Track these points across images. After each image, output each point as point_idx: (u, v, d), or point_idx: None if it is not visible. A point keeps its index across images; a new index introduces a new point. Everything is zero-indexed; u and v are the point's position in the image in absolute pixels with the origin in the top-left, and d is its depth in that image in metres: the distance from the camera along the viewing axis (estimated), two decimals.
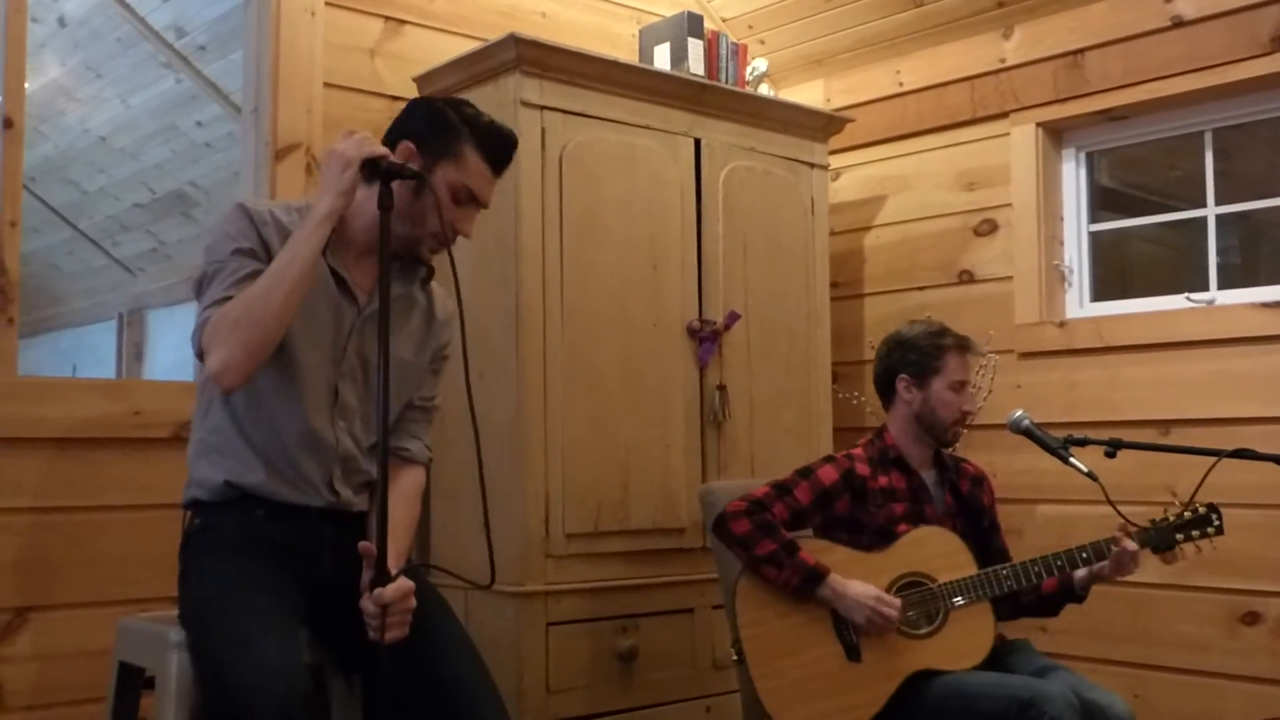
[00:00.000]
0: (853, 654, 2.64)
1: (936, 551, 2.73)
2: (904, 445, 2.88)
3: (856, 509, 2.80)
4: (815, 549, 2.71)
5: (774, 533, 2.67)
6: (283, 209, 2.31)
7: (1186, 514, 2.68)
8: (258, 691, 1.91)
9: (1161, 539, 2.67)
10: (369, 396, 2.34)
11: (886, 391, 2.93)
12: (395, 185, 2.19)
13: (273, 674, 1.93)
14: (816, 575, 2.64)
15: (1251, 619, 3.31)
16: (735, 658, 2.69)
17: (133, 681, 2.44)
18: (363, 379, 2.33)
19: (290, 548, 2.26)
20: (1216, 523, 2.67)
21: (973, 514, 2.89)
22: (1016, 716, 2.39)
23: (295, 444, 2.26)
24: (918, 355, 2.87)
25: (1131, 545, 2.63)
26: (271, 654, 1.96)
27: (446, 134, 2.30)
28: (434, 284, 2.46)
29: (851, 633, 2.65)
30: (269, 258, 2.20)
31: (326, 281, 2.26)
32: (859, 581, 2.65)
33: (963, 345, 2.88)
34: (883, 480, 2.83)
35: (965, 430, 2.87)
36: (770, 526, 2.68)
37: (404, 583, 2.12)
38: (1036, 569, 2.68)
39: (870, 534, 2.77)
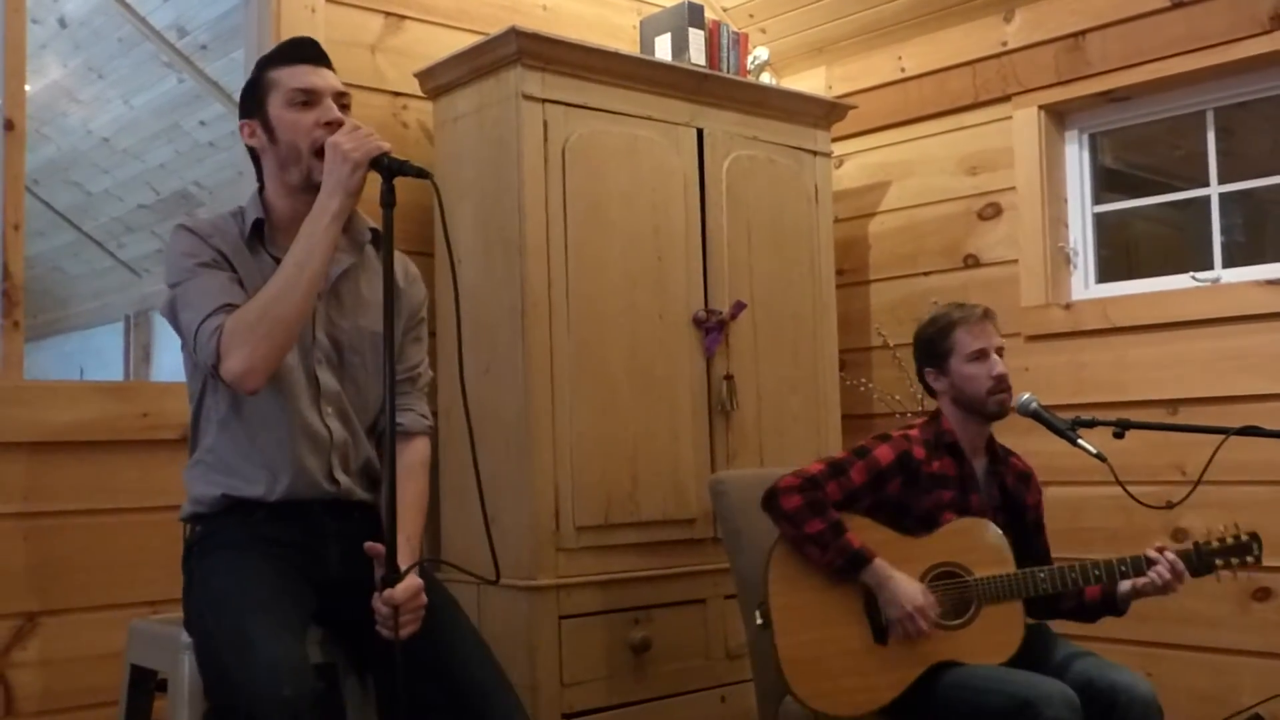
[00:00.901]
0: (880, 636, 2.63)
1: (977, 544, 2.70)
2: (958, 430, 2.84)
3: (907, 493, 2.76)
4: (857, 526, 2.68)
5: (824, 511, 2.65)
6: (221, 218, 2.35)
7: (1229, 540, 2.67)
8: (263, 694, 1.89)
9: (1202, 563, 2.66)
10: (347, 376, 2.35)
11: (928, 390, 2.93)
12: (256, 147, 2.33)
13: (278, 675, 1.92)
14: (861, 559, 2.62)
15: (1263, 595, 3.31)
16: (760, 622, 2.68)
17: (145, 684, 2.44)
18: (337, 360, 2.34)
19: (295, 545, 2.26)
20: (1257, 553, 2.66)
21: (1015, 510, 2.87)
22: (1016, 715, 2.39)
23: (292, 441, 2.26)
24: (930, 345, 2.87)
25: (1179, 567, 2.63)
26: (276, 655, 1.95)
27: (255, 83, 2.35)
28: None
29: (882, 614, 2.65)
30: (230, 265, 2.25)
31: (273, 272, 2.25)
32: (906, 579, 2.62)
33: (967, 316, 2.84)
34: (935, 465, 2.79)
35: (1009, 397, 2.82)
36: (821, 505, 2.65)
37: (413, 580, 2.13)
38: (1074, 575, 2.65)
39: (913, 519, 2.75)
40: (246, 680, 1.92)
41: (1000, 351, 2.84)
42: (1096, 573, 2.66)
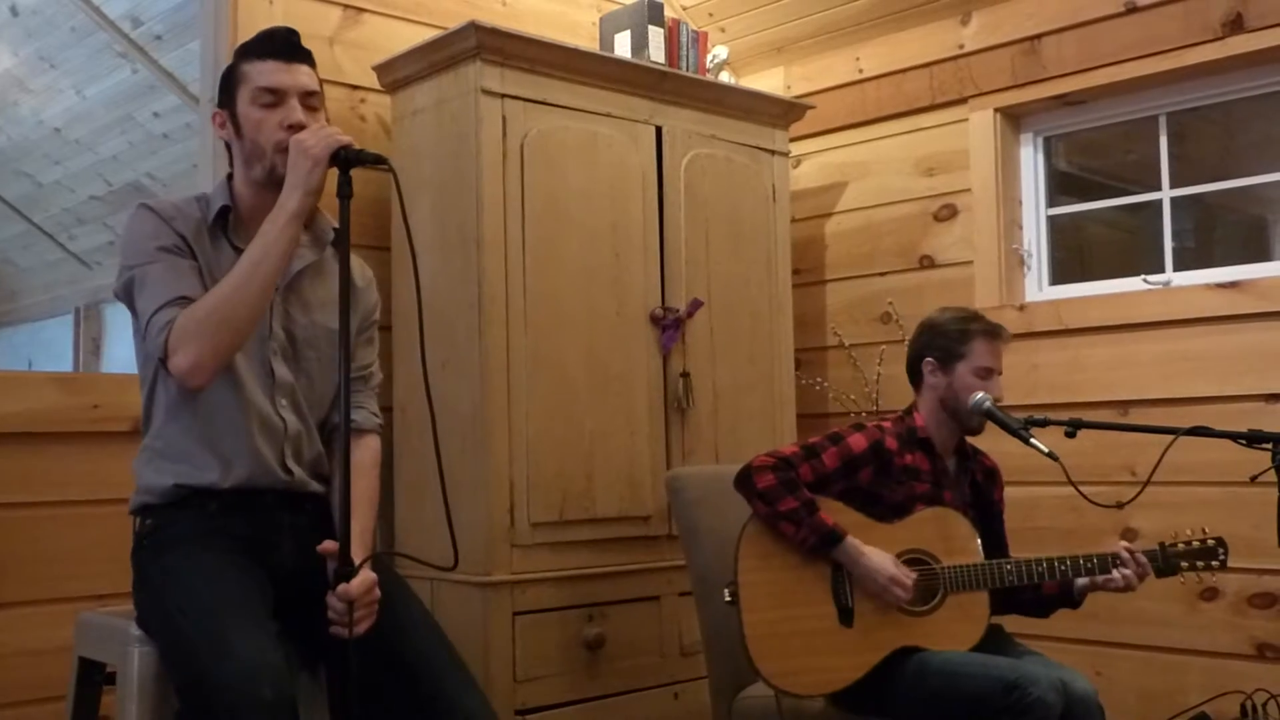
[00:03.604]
0: (845, 618, 2.65)
1: (946, 533, 2.73)
2: (931, 428, 2.85)
3: (878, 482, 2.78)
4: (830, 509, 2.69)
5: (796, 490, 2.66)
6: (184, 201, 2.33)
7: (1195, 543, 2.68)
8: (244, 697, 1.88)
9: (1167, 564, 2.67)
10: (301, 370, 2.35)
11: (915, 375, 2.91)
12: (225, 139, 2.32)
13: (258, 678, 1.90)
14: (834, 537, 2.64)
15: (1210, 595, 3.36)
16: (728, 599, 2.69)
17: (93, 677, 2.42)
18: (292, 353, 2.34)
19: (250, 538, 2.24)
20: (1222, 557, 2.67)
21: (984, 506, 2.90)
22: (1001, 696, 2.40)
23: (247, 429, 2.25)
24: (945, 339, 2.85)
25: (1147, 569, 2.65)
26: (256, 657, 1.94)
27: (230, 74, 2.34)
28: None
29: (848, 597, 2.66)
30: (191, 251, 2.23)
31: (233, 262, 2.24)
32: (877, 553, 2.64)
33: (991, 332, 2.84)
34: (908, 458, 2.80)
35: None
36: (794, 484, 2.67)
37: (367, 575, 2.13)
38: (1040, 569, 2.67)
39: (885, 508, 2.76)
40: (227, 683, 1.90)
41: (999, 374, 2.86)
42: (1063, 568, 2.67)
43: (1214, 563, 2.67)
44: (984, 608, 2.70)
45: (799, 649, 2.63)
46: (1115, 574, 2.65)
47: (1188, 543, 2.69)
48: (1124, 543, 2.70)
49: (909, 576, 2.64)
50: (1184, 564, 2.68)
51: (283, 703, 1.92)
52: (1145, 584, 2.64)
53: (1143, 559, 2.66)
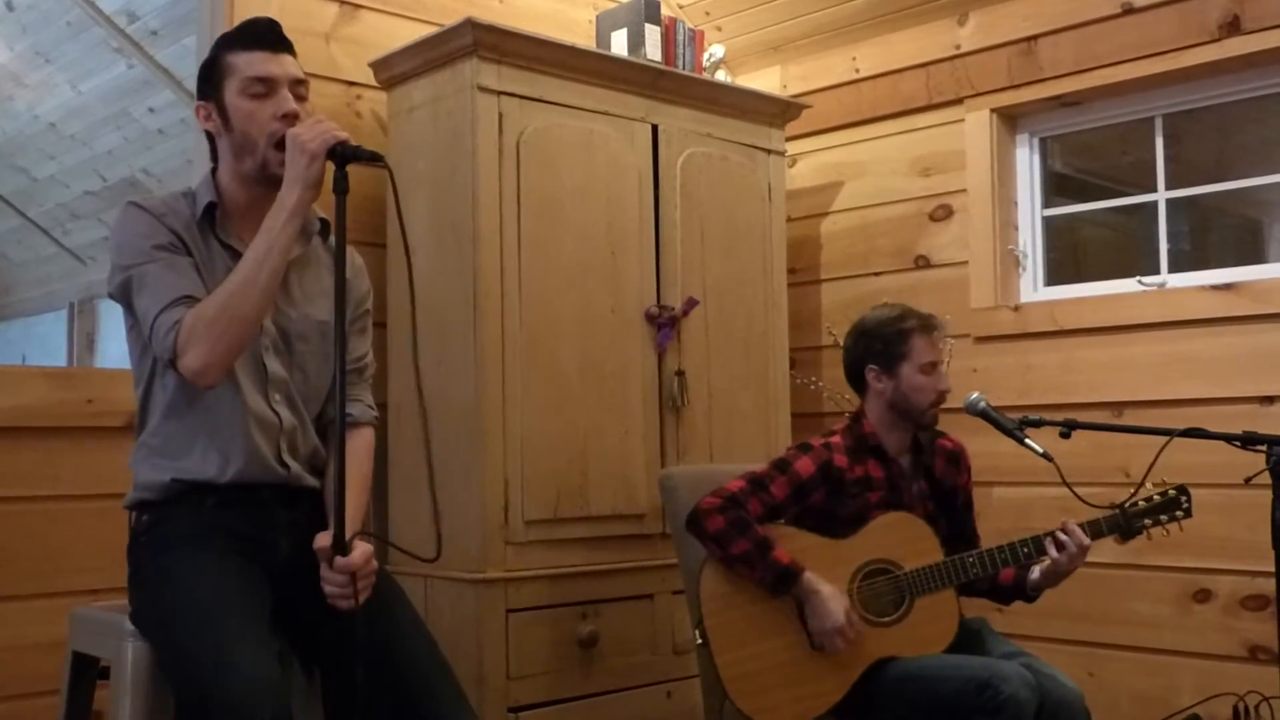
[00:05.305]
0: (817, 643, 2.65)
1: (903, 538, 2.71)
2: (882, 433, 2.82)
3: (832, 500, 2.76)
4: (783, 535, 2.69)
5: (748, 530, 2.64)
6: (171, 198, 2.32)
7: (1156, 497, 2.66)
8: (244, 713, 1.89)
9: (1130, 525, 2.65)
10: (295, 364, 2.35)
11: (858, 383, 2.88)
12: (211, 131, 2.30)
13: (259, 697, 1.91)
14: (791, 575, 2.62)
15: (1203, 596, 3.36)
16: (699, 640, 2.69)
17: (87, 672, 2.41)
18: (285, 348, 2.33)
19: (247, 535, 2.24)
20: (1185, 505, 2.65)
21: (945, 495, 2.87)
22: (974, 696, 2.40)
23: (243, 424, 2.25)
24: (883, 344, 2.81)
25: (1084, 540, 2.63)
26: (253, 673, 1.94)
27: (213, 65, 2.31)
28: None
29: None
30: (186, 248, 2.23)
31: (223, 259, 2.25)
32: (831, 594, 2.61)
33: (927, 325, 2.81)
34: (859, 471, 2.78)
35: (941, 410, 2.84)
36: (745, 524, 2.65)
37: (364, 546, 2.14)
38: (1003, 555, 2.65)
39: (841, 522, 2.75)
40: (229, 703, 1.91)
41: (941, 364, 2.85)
42: (1025, 549, 2.66)
43: (1178, 513, 2.64)
44: (953, 604, 2.70)
45: (777, 682, 2.63)
46: (1058, 554, 2.63)
47: (1148, 499, 2.66)
48: (1063, 524, 2.66)
49: (854, 628, 2.60)
50: (1147, 521, 2.65)
51: (282, 715, 1.93)
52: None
53: (1083, 540, 2.63)
